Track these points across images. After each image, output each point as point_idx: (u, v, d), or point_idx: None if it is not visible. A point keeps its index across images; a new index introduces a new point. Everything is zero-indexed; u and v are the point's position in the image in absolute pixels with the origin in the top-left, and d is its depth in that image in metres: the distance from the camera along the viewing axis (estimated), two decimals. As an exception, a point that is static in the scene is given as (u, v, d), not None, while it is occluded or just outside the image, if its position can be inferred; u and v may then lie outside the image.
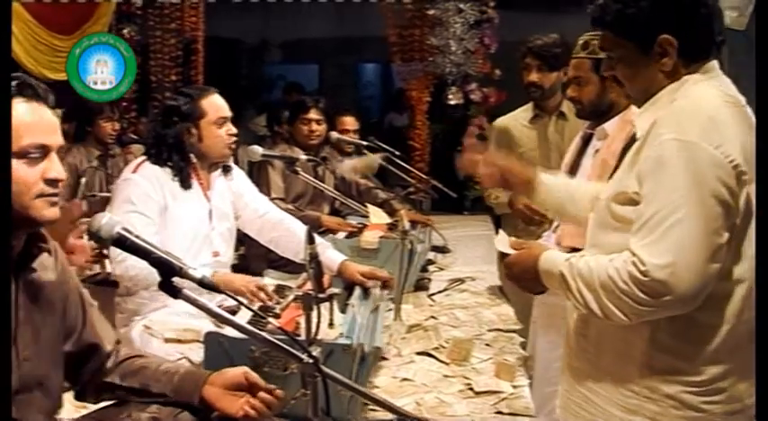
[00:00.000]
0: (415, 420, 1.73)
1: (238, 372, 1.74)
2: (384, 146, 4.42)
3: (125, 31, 5.90)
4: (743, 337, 1.82)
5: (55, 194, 1.53)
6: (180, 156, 2.85)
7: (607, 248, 1.86)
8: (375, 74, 11.64)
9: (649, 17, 1.77)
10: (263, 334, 1.54)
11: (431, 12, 5.64)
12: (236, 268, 3.23)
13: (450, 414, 2.22)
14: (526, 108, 3.87)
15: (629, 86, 1.91)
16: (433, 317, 3.07)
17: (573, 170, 2.95)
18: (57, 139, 1.55)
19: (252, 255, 3.93)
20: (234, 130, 2.96)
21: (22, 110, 1.50)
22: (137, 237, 1.48)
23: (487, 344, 2.79)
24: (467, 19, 5.63)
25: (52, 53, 5.27)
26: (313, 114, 4.26)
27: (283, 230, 3.12)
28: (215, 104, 2.92)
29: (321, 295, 1.79)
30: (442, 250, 4.22)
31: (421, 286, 3.49)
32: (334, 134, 4.34)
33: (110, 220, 1.47)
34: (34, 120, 1.52)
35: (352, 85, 10.73)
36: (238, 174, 3.19)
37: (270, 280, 2.78)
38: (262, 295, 2.54)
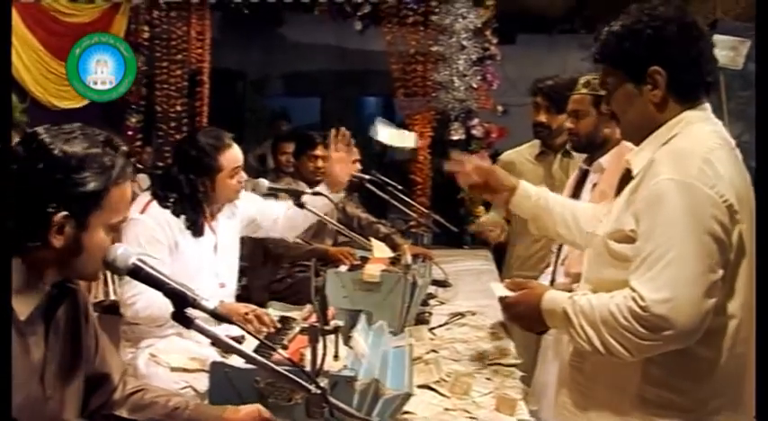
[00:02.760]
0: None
1: (253, 409, 1.78)
2: (387, 179, 4.46)
3: (132, 62, 6.00)
4: (736, 372, 1.88)
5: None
6: (191, 205, 2.90)
7: (602, 283, 1.93)
8: (376, 107, 11.71)
9: (642, 50, 1.89)
10: (272, 365, 1.56)
11: (434, 48, 5.72)
12: (238, 299, 3.26)
13: (453, 447, 2.24)
14: (532, 144, 3.94)
15: (623, 119, 2.01)
16: (433, 350, 3.08)
17: None
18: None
19: (254, 287, 3.96)
20: (244, 177, 3.04)
21: (125, 190, 1.59)
22: (151, 268, 1.52)
23: (488, 379, 2.80)
24: (469, 55, 5.70)
25: (60, 81, 5.33)
26: (319, 151, 4.32)
27: (294, 216, 3.38)
28: (232, 157, 2.97)
29: (327, 327, 1.82)
30: (442, 284, 4.23)
31: (422, 320, 3.50)
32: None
33: (125, 251, 1.50)
34: (127, 199, 1.61)
35: (354, 118, 10.79)
36: (245, 196, 3.24)
37: (273, 311, 2.80)
38: (255, 323, 2.61)
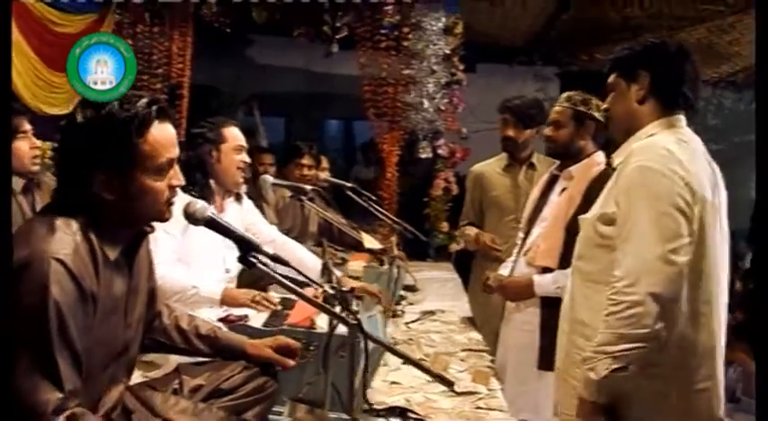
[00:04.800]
0: (441, 379, 2.05)
1: (272, 339, 2.15)
2: (363, 191, 4.76)
3: (114, 74, 6.21)
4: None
5: (174, 196, 1.84)
6: (202, 174, 3.18)
7: (591, 260, 2.35)
8: (338, 130, 12.07)
9: (636, 57, 2.41)
10: (315, 300, 1.86)
11: (406, 71, 6.04)
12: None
13: (437, 407, 2.56)
14: (500, 157, 4.29)
15: (613, 113, 2.49)
16: (410, 339, 3.40)
17: (540, 206, 3.37)
18: (177, 151, 1.85)
19: (241, 285, 4.22)
20: (247, 159, 3.33)
21: (159, 131, 1.78)
22: (223, 220, 1.83)
23: (462, 360, 3.13)
24: (438, 79, 6.05)
25: (49, 89, 5.56)
26: (306, 160, 4.71)
27: (288, 251, 3.54)
28: (234, 134, 3.31)
29: (344, 289, 2.11)
30: (411, 289, 4.55)
31: (396, 315, 3.82)
32: (322, 175, 4.73)
33: (203, 206, 1.81)
34: (166, 139, 1.80)
35: (318, 138, 11.10)
36: (249, 204, 3.56)
37: (275, 294, 3.09)
38: (264, 303, 2.94)
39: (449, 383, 2.15)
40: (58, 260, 1.61)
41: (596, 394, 2.20)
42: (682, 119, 2.39)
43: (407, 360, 2.08)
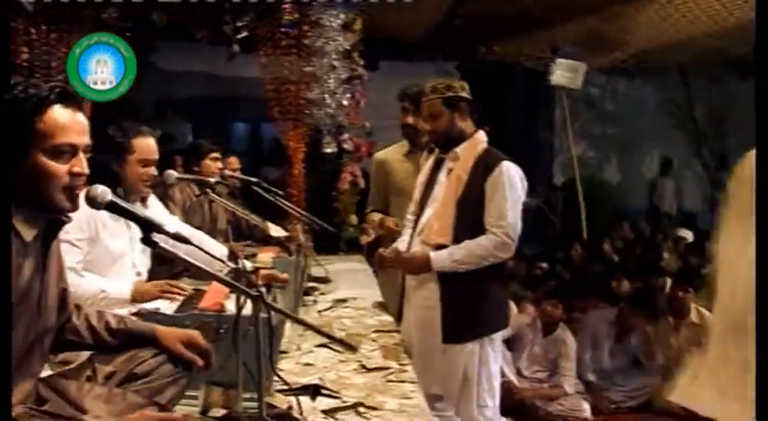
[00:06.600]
0: (343, 343, 2.13)
1: (188, 331, 2.14)
2: (270, 187, 4.82)
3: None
4: None
5: (77, 186, 1.83)
6: (110, 178, 3.15)
7: None
8: (246, 132, 12.09)
9: None
10: (224, 277, 1.92)
11: (307, 69, 6.12)
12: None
13: (350, 384, 2.65)
14: (401, 144, 4.40)
15: None
16: (323, 325, 3.48)
17: (429, 187, 3.50)
18: (85, 140, 1.85)
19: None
20: (154, 173, 3.28)
21: (58, 113, 1.78)
22: (125, 203, 1.86)
23: (373, 340, 3.24)
24: (339, 75, 6.15)
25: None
26: (218, 154, 4.75)
27: (196, 241, 3.53)
28: (145, 146, 3.22)
29: (248, 269, 2.17)
30: (324, 280, 4.61)
31: (306, 304, 3.90)
32: (227, 172, 4.77)
33: (104, 190, 1.83)
34: (68, 123, 1.80)
35: (224, 142, 11.06)
36: (154, 203, 3.55)
37: (185, 285, 3.14)
38: (175, 291, 3.00)
39: (351, 347, 2.23)
40: None
41: None
42: None
43: (308, 326, 2.14)
